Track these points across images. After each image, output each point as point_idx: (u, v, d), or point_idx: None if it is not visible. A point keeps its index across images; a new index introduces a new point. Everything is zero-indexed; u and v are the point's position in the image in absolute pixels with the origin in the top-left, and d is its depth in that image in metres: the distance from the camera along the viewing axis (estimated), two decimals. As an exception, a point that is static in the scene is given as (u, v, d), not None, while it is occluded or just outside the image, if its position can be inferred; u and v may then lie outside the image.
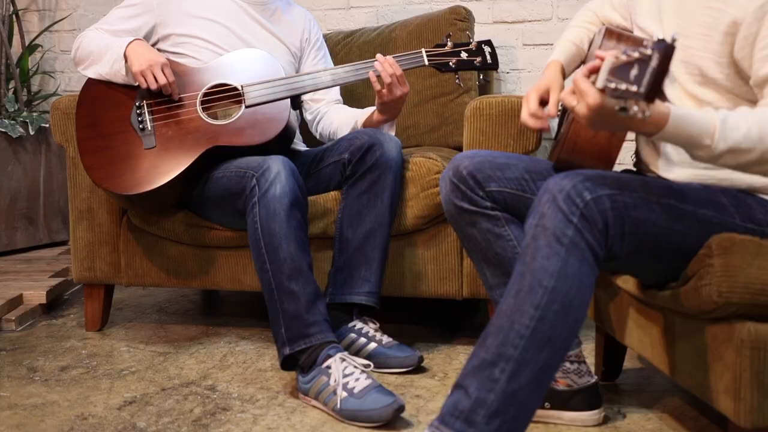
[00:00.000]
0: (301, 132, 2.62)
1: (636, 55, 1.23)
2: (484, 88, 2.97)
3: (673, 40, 1.19)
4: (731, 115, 1.41)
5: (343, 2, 3.41)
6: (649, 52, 1.21)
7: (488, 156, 1.81)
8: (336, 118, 2.47)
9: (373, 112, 2.35)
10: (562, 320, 1.38)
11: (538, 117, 1.73)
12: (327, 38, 3.07)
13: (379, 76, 2.23)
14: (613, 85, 1.24)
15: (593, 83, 1.33)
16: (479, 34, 3.12)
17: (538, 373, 1.38)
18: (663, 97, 1.57)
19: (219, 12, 2.45)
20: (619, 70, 1.25)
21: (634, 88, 1.21)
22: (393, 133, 2.37)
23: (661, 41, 1.20)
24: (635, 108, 1.23)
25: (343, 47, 3.02)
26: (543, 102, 1.76)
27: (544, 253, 1.40)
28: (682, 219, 1.48)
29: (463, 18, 2.88)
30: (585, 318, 1.45)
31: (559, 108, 1.85)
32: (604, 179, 1.45)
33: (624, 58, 1.25)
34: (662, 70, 1.19)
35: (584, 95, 1.34)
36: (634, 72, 1.22)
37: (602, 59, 1.32)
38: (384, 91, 2.23)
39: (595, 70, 1.35)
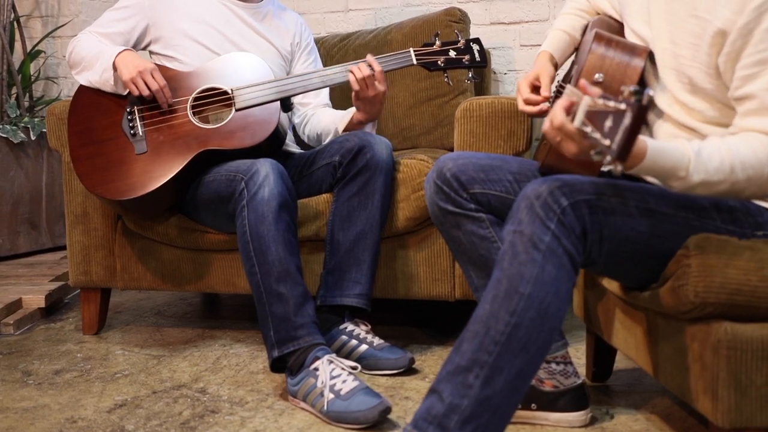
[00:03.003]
0: (294, 135, 2.63)
1: (612, 105, 1.22)
2: (480, 89, 2.98)
3: (649, 99, 1.19)
4: (705, 147, 1.42)
5: (342, 5, 3.42)
6: (623, 107, 1.20)
7: (472, 158, 1.81)
8: (321, 121, 2.48)
9: (354, 113, 2.36)
10: (538, 327, 1.38)
11: (533, 102, 1.74)
12: (324, 41, 3.09)
13: (354, 74, 2.24)
14: (588, 130, 1.25)
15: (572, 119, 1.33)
16: (476, 35, 3.10)
17: (513, 379, 1.38)
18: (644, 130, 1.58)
19: (210, 15, 2.46)
20: (596, 116, 1.25)
21: (607, 142, 1.21)
22: (373, 133, 2.39)
23: (638, 93, 1.19)
24: (609, 162, 1.23)
25: (340, 50, 3.03)
26: (535, 90, 1.77)
27: (521, 259, 1.39)
28: (661, 223, 1.47)
29: (458, 19, 2.89)
30: (561, 324, 1.45)
31: (552, 91, 1.85)
32: (582, 184, 1.44)
33: (600, 103, 1.25)
34: (635, 129, 1.19)
35: (569, 136, 1.34)
36: (608, 123, 1.22)
37: (582, 90, 1.32)
38: (358, 86, 2.24)
39: (572, 105, 1.35)
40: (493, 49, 3.17)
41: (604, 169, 1.26)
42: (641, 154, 1.37)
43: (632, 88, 1.20)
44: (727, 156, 1.42)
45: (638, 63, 1.63)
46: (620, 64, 1.62)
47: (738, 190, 1.45)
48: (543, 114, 1.74)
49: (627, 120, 1.19)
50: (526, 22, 3.17)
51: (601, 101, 1.25)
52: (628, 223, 1.45)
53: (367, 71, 2.23)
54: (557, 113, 1.35)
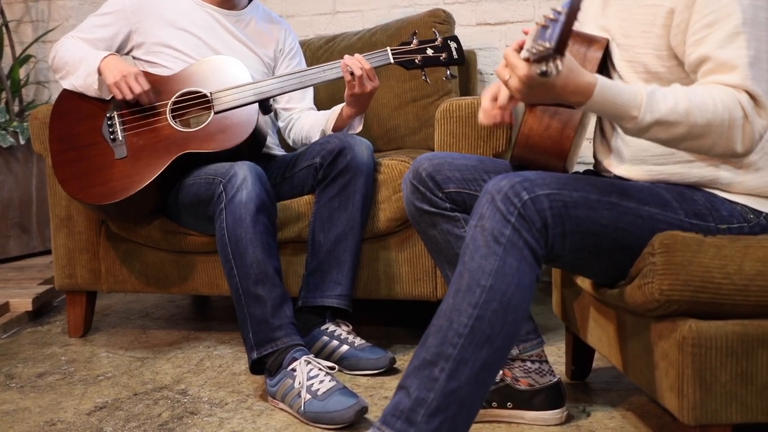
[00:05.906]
0: (279, 137, 2.64)
1: (551, 16, 1.26)
2: (466, 90, 2.98)
3: None
4: (660, 89, 1.42)
5: (329, 7, 3.43)
6: (559, 10, 1.25)
7: (447, 158, 1.82)
8: (307, 123, 2.48)
9: (342, 108, 2.37)
10: (501, 318, 1.39)
11: (488, 111, 1.73)
12: (309, 43, 3.10)
13: (352, 72, 2.25)
14: (534, 50, 1.28)
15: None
16: (462, 36, 3.12)
17: (478, 371, 1.39)
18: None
19: (192, 22, 2.47)
20: (539, 35, 1.29)
21: (547, 45, 1.24)
22: (361, 127, 2.41)
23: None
24: (551, 66, 1.26)
25: (325, 52, 3.04)
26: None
27: (482, 252, 1.41)
28: (624, 216, 1.48)
29: (442, 21, 2.89)
30: (527, 316, 1.45)
31: None
32: (544, 179, 1.45)
33: (542, 22, 1.29)
34: (569, 23, 1.23)
35: (514, 68, 1.36)
36: (548, 32, 1.26)
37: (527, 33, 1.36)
38: (355, 83, 2.25)
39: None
40: (479, 50, 3.18)
41: (547, 71, 1.27)
42: (591, 87, 1.37)
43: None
44: (683, 98, 1.40)
45: (596, 54, 1.63)
46: (577, 55, 1.63)
47: (698, 136, 1.41)
48: (498, 125, 1.72)
49: (562, 17, 1.23)
50: (512, 22, 3.18)
51: (542, 21, 1.29)
52: (591, 217, 1.46)
53: (358, 72, 2.24)
54: (508, 51, 1.40)
